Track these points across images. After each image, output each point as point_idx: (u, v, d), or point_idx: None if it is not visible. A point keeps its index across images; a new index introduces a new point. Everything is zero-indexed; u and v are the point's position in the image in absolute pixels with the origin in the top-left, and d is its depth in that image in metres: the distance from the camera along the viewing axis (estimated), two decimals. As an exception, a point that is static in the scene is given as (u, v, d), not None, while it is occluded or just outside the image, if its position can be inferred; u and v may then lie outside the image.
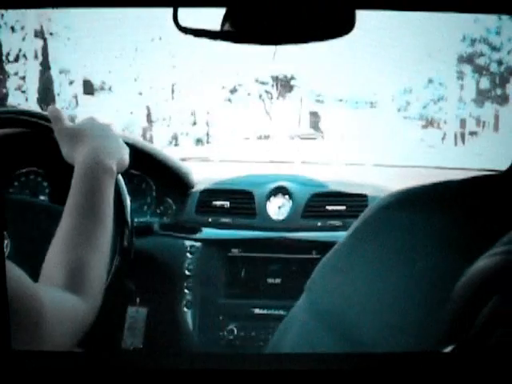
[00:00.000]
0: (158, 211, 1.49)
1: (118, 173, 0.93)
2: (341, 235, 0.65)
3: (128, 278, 1.39)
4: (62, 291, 0.75)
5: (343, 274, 0.61)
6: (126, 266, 1.08)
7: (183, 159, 1.67)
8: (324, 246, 0.67)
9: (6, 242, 1.22)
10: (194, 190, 1.52)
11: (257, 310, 1.46)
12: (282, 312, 1.41)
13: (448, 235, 0.55)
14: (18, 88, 5.79)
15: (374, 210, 0.63)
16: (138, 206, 1.47)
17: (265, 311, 1.45)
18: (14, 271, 0.62)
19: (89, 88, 6.72)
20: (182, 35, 0.76)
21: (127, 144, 1.38)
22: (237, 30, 0.87)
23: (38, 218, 1.22)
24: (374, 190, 1.47)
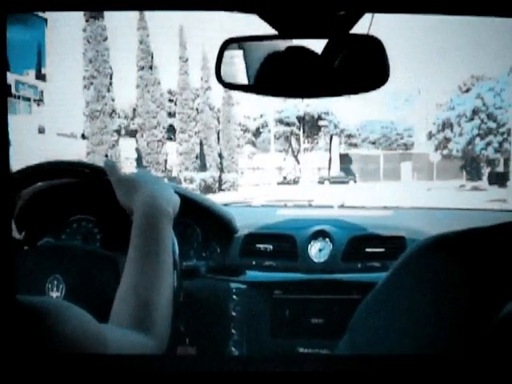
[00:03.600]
0: (204, 255, 1.66)
1: (173, 216, 1.02)
2: (380, 276, 0.69)
3: (177, 319, 1.55)
4: (130, 331, 0.81)
5: (382, 314, 0.64)
6: (176, 307, 1.25)
7: (226, 204, 1.86)
8: (364, 287, 0.71)
9: (61, 286, 1.39)
10: (238, 234, 1.69)
11: (301, 349, 1.60)
12: (325, 351, 1.55)
13: (483, 280, 0.57)
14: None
15: (414, 252, 0.65)
16: (185, 250, 1.62)
17: (309, 350, 1.60)
18: (78, 311, 0.65)
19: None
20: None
21: (176, 192, 1.58)
22: (272, 84, 1.04)
23: (90, 264, 1.39)
24: (411, 232, 1.63)
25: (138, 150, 24.20)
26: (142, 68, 24.20)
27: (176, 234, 1.21)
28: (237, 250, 1.69)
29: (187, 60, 26.29)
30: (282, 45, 0.95)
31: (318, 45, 0.94)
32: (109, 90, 21.87)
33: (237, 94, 29.42)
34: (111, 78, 22.03)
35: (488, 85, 29.19)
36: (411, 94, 39.86)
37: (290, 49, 0.95)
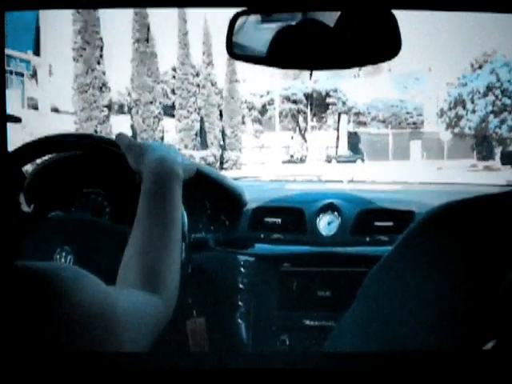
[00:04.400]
0: (213, 228, 1.69)
1: (185, 179, 1.07)
2: (388, 250, 0.70)
3: (185, 291, 1.60)
4: (138, 291, 0.83)
5: (386, 285, 0.67)
6: (184, 279, 1.29)
7: (236, 178, 1.90)
8: (372, 260, 0.72)
9: (69, 257, 1.44)
10: (246, 207, 1.74)
11: (308, 322, 1.65)
12: (331, 323, 1.59)
13: (495, 246, 0.58)
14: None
15: (418, 224, 0.68)
16: (194, 223, 1.64)
17: (316, 323, 1.64)
18: (84, 275, 0.67)
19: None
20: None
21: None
22: (284, 56, 1.07)
23: (99, 236, 1.41)
24: (421, 206, 1.65)
25: (132, 126, 23.84)
26: (138, 40, 23.63)
27: (185, 206, 1.23)
28: (245, 223, 1.73)
29: (187, 33, 25.79)
30: (294, 17, 0.96)
31: (329, 17, 0.94)
32: (99, 63, 21.34)
33: (241, 71, 29.22)
34: (101, 50, 21.48)
35: (502, 60, 28.72)
36: (421, 73, 39.60)
37: (302, 21, 0.96)
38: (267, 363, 0.52)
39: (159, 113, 23.98)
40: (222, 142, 27.21)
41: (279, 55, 1.01)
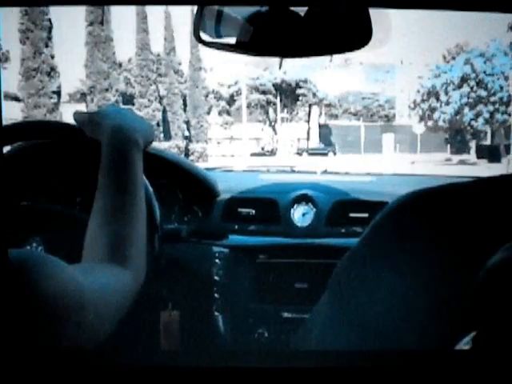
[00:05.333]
0: (186, 219, 1.72)
1: (145, 147, 1.04)
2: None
3: (159, 283, 1.59)
4: (104, 265, 0.82)
5: (358, 272, 0.68)
6: (157, 271, 1.27)
7: (208, 169, 1.93)
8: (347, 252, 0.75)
9: (40, 248, 1.45)
10: (219, 198, 1.76)
11: (285, 314, 1.69)
12: (308, 315, 1.64)
13: (462, 234, 0.60)
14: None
15: (389, 210, 0.70)
16: (166, 214, 1.67)
17: (293, 315, 1.68)
18: (41, 257, 0.67)
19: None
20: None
21: (155, 154, 1.63)
22: (255, 43, 1.08)
23: (69, 227, 1.43)
24: (395, 198, 1.72)
25: (75, 115, 22.95)
26: (92, 23, 22.86)
27: (157, 197, 1.26)
28: (219, 214, 1.76)
29: (146, 17, 25.25)
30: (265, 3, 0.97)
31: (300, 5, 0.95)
32: (47, 46, 20.50)
33: (207, 58, 28.83)
34: (50, 32, 20.64)
35: (478, 50, 28.73)
36: (393, 66, 40.04)
37: (272, 7, 0.98)
38: (243, 361, 0.52)
39: (116, 101, 23.14)
40: (186, 133, 26.84)
41: (249, 42, 1.02)
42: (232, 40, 1.02)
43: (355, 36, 0.97)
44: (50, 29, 20.67)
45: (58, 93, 21.18)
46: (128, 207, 0.91)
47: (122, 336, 0.86)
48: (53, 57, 20.79)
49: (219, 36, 1.06)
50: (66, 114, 20.32)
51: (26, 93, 20.21)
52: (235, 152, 29.55)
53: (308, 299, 1.66)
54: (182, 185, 1.72)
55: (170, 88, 26.24)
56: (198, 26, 1.02)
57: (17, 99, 20.58)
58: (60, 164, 1.62)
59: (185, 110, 27.40)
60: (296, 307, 1.69)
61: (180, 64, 28.28)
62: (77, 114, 1.13)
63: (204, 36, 1.03)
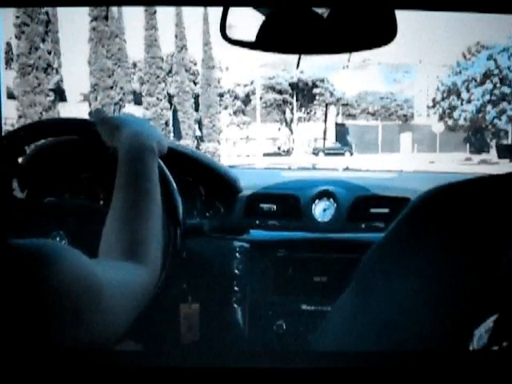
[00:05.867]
0: (208, 214, 1.77)
1: (158, 154, 1.09)
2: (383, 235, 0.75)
3: (180, 277, 1.65)
4: (121, 262, 0.85)
5: (384, 267, 0.70)
6: (179, 265, 1.32)
7: (231, 166, 1.97)
8: (367, 247, 0.76)
9: (63, 241, 1.50)
10: (241, 194, 1.81)
11: (304, 307, 1.74)
12: (327, 308, 1.66)
13: (488, 228, 0.61)
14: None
15: (411, 207, 0.72)
16: (189, 209, 1.72)
17: (312, 307, 1.73)
18: (66, 250, 0.68)
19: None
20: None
21: (179, 152, 1.68)
22: (277, 40, 1.11)
23: (93, 221, 1.48)
24: (416, 193, 1.74)
25: (91, 114, 22.30)
26: (96, 18, 22.03)
27: (180, 193, 1.30)
28: (240, 210, 1.81)
29: (155, 13, 24.68)
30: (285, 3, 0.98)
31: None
32: (44, 41, 19.44)
33: (220, 57, 28.47)
34: (47, 26, 19.76)
35: (501, 45, 27.95)
36: (411, 66, 39.90)
37: (295, 8, 1.01)
38: (262, 362, 0.53)
39: (120, 99, 22.56)
40: (198, 133, 26.63)
41: (271, 40, 1.06)
42: (255, 38, 1.05)
43: (379, 33, 1.00)
44: (47, 23, 19.85)
45: (56, 90, 20.32)
46: (144, 210, 0.95)
47: (142, 329, 0.92)
48: (50, 52, 19.88)
49: (242, 34, 1.09)
50: (64, 114, 19.74)
51: (21, 90, 19.46)
52: (250, 152, 29.48)
53: (326, 293, 1.70)
54: (205, 181, 1.77)
55: (180, 86, 26.00)
56: (224, 22, 1.05)
57: (12, 97, 20.13)
58: (84, 160, 1.68)
59: (196, 110, 27.15)
60: (314, 300, 1.73)
61: (193, 63, 28.07)
62: (95, 114, 1.19)
63: (229, 33, 1.07)
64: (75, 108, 21.61)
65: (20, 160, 1.61)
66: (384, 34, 1.00)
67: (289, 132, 35.06)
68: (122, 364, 0.54)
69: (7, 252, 0.59)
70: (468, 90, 28.05)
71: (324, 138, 35.26)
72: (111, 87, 22.25)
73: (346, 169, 2.17)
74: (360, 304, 0.71)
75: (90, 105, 22.49)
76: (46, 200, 1.59)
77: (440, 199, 0.70)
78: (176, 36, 26.61)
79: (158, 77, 24.74)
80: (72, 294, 0.65)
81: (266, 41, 1.06)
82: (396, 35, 0.98)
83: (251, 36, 1.07)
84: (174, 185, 1.29)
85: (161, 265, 0.96)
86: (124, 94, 23.46)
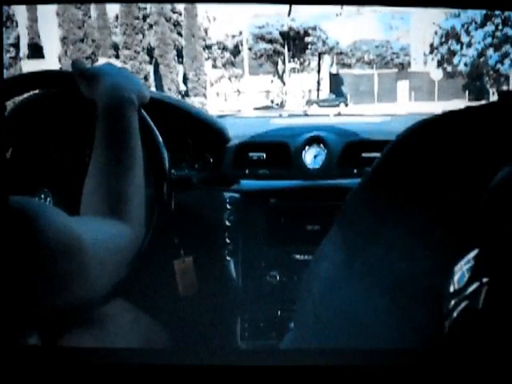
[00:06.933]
0: (196, 166, 1.78)
1: (139, 105, 1.11)
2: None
3: (170, 231, 1.66)
4: (103, 218, 0.88)
5: (367, 207, 0.71)
6: (168, 218, 1.32)
7: (220, 116, 1.98)
8: None
9: (48, 199, 1.52)
10: (230, 144, 1.83)
11: (297, 256, 1.78)
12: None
13: (469, 159, 0.61)
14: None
15: (395, 143, 0.73)
16: (176, 161, 1.74)
17: (305, 257, 1.77)
18: (43, 206, 0.71)
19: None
20: None
21: (164, 102, 1.68)
22: None
23: (78, 177, 1.50)
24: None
25: (72, 65, 21.41)
26: None
27: (166, 144, 1.30)
28: (229, 160, 1.82)
29: None
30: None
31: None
32: None
33: (208, 7, 27.54)
34: None
35: None
36: (408, 12, 39.28)
37: None
38: (261, 361, 0.55)
39: (93, 53, 21.59)
40: (182, 87, 25.95)
41: None
42: None
43: None
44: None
45: (16, 45, 19.63)
46: (124, 166, 0.97)
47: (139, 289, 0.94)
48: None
49: None
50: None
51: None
52: (241, 106, 29.14)
53: (319, 241, 1.72)
54: (192, 131, 1.78)
55: (161, 38, 24.89)
56: None
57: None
58: (67, 114, 1.67)
59: (181, 63, 26.33)
60: (307, 249, 1.77)
61: (173, 12, 27.21)
62: (75, 64, 1.17)
63: None
64: (54, 66, 20.58)
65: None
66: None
67: (281, 84, 34.73)
68: (121, 362, 0.55)
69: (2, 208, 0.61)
70: (468, 33, 27.38)
71: (318, 90, 34.97)
72: (82, 40, 21.29)
73: (338, 114, 2.18)
74: (343, 250, 0.73)
75: (59, 60, 21.48)
76: (30, 157, 1.60)
77: (422, 133, 0.70)
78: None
79: (135, 27, 23.60)
80: (53, 251, 0.66)
81: None
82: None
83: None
84: (159, 137, 1.29)
85: (147, 219, 0.99)
86: (96, 46, 22.42)
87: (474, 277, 0.53)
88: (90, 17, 22.05)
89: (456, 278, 0.55)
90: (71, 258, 0.70)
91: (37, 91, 1.62)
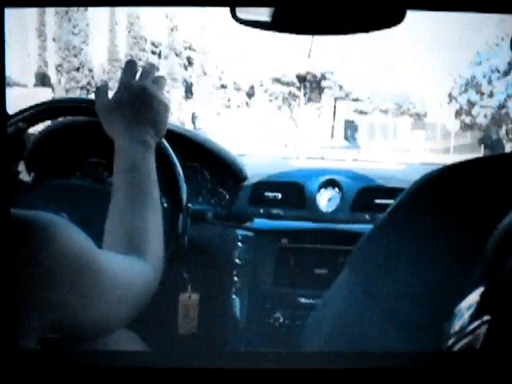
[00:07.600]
0: (212, 201, 1.82)
1: (156, 142, 1.10)
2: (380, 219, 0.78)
3: (181, 265, 1.70)
4: (123, 255, 0.87)
5: (381, 248, 0.74)
6: (180, 252, 1.36)
7: (239, 155, 2.03)
8: None
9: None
10: (247, 182, 1.88)
11: (303, 300, 1.81)
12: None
13: (482, 205, 0.64)
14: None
15: (408, 191, 0.76)
16: (193, 195, 1.77)
17: (311, 301, 1.79)
18: (73, 228, 0.70)
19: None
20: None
21: (186, 136, 1.73)
22: (289, 20, 1.08)
23: (97, 202, 1.49)
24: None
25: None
26: None
27: (185, 178, 1.34)
28: (245, 198, 1.87)
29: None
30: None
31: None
32: None
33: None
34: None
35: None
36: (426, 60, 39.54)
37: None
38: (258, 363, 0.56)
39: (88, 83, 21.17)
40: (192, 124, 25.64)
41: (282, 19, 1.07)
42: (266, 17, 1.06)
43: (388, 13, 1.02)
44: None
45: None
46: (142, 205, 0.98)
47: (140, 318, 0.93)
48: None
49: (254, 14, 1.09)
50: (13, 100, 18.92)
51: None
52: (256, 147, 28.99)
53: (326, 285, 1.75)
54: (211, 167, 1.82)
55: (170, 72, 24.71)
56: (234, 2, 1.05)
57: None
58: (92, 142, 1.69)
59: (191, 98, 25.96)
60: (314, 293, 1.79)
61: (185, 48, 26.81)
62: (96, 94, 1.16)
63: (240, 14, 1.07)
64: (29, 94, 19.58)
65: (28, 140, 1.66)
66: (394, 12, 1.00)
67: (296, 127, 34.83)
68: (121, 365, 0.57)
69: (6, 220, 0.61)
70: (490, 83, 27.07)
71: (332, 136, 35.07)
72: (77, 68, 20.91)
73: (354, 160, 2.24)
74: (357, 290, 0.76)
75: (52, 90, 20.94)
76: (51, 182, 1.65)
77: (439, 181, 0.74)
78: (166, 16, 25.29)
79: (140, 60, 23.24)
80: (68, 266, 0.66)
81: (280, 20, 1.07)
82: (405, 16, 0.98)
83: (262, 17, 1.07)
84: (180, 169, 1.32)
85: (163, 257, 1.00)
86: (93, 77, 21.93)
87: (478, 316, 0.56)
88: (88, 44, 21.45)
89: (460, 320, 0.58)
90: (90, 278, 0.71)
91: (63, 118, 1.69)
